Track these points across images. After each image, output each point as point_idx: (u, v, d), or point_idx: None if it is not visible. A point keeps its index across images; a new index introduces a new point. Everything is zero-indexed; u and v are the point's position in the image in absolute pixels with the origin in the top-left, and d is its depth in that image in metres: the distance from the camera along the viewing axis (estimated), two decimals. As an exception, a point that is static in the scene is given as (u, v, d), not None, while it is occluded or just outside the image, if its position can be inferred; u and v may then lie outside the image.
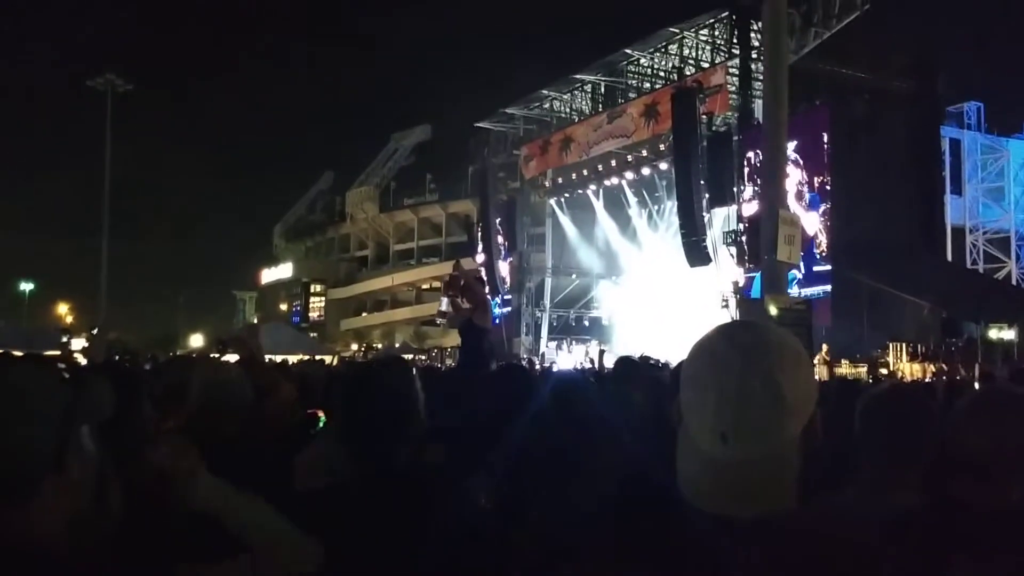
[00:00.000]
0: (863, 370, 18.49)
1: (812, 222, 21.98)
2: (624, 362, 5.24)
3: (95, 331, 31.42)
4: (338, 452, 2.35)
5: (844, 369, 18.49)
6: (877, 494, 2.08)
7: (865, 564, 1.33)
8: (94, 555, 1.36)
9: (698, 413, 1.29)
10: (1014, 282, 31.39)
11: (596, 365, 21.48)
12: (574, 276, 34.15)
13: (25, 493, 1.30)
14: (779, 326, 1.81)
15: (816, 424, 1.33)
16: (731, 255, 24.63)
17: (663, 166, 27.41)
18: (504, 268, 33.63)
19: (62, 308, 47.16)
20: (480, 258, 34.08)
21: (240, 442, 3.20)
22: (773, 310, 13.40)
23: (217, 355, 3.97)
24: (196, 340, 40.20)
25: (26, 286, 50.43)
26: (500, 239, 33.57)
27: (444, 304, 8.27)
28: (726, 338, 1.34)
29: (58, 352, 21.73)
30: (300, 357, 18.25)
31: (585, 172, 31.20)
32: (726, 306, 23.47)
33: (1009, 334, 19.68)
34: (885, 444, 2.16)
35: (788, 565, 1.29)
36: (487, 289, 33.83)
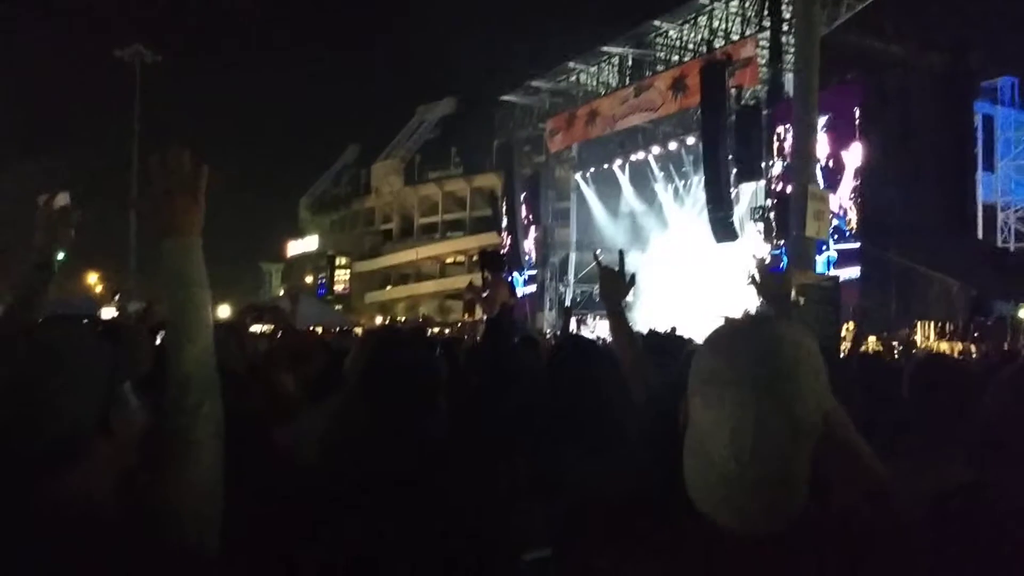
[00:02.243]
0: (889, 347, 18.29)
1: (840, 198, 21.74)
2: (651, 335, 5.26)
3: (118, 296, 31.75)
4: (358, 418, 2.35)
5: (871, 346, 18.30)
6: (925, 468, 2.05)
7: (912, 540, 1.31)
8: (143, 514, 1.35)
9: (712, 435, 1.27)
10: (1046, 261, 30.90)
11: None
12: (599, 251, 33.95)
13: (75, 455, 1.30)
14: (803, 305, 1.77)
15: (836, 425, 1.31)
16: (758, 231, 24.40)
17: (690, 140, 27.16)
18: (528, 243, 33.55)
19: (92, 277, 47.70)
20: (505, 232, 34.04)
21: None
22: (798, 286, 13.26)
23: (250, 323, 3.98)
24: (223, 311, 40.51)
25: (58, 255, 50.89)
26: (524, 213, 33.47)
27: (467, 293, 8.24)
28: (740, 335, 1.33)
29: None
30: (326, 329, 18.36)
31: (611, 146, 30.97)
32: (753, 282, 23.25)
33: (1039, 313, 19.42)
34: (934, 416, 2.16)
35: (835, 535, 1.27)
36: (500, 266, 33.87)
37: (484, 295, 3.46)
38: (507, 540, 2.18)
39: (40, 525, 1.24)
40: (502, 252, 6.94)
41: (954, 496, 1.62)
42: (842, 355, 7.54)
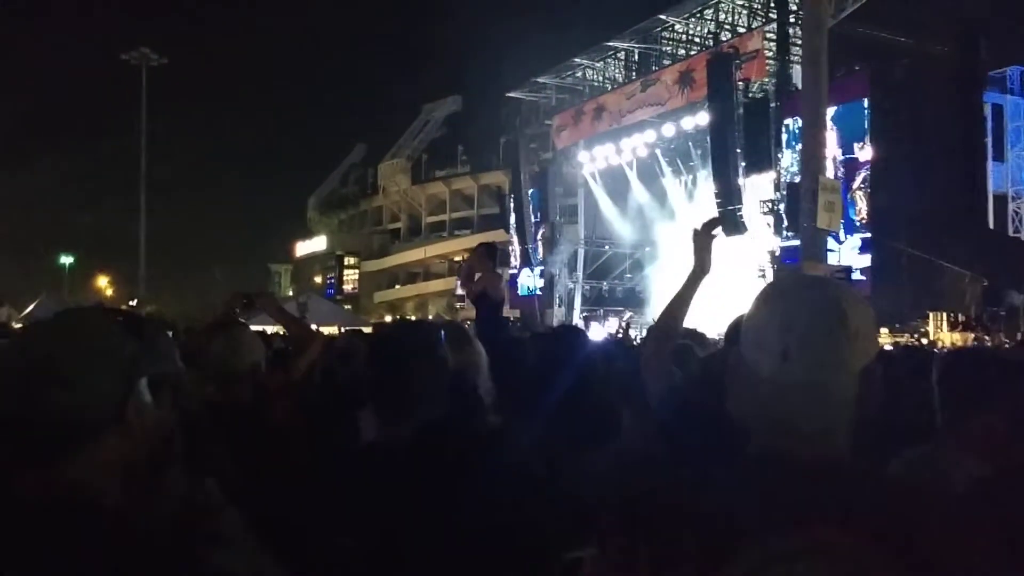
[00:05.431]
0: (903, 339, 18.26)
1: (851, 190, 21.65)
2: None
3: (134, 303, 31.87)
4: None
5: (884, 339, 18.25)
6: (944, 453, 2.09)
7: (939, 524, 1.25)
8: (145, 508, 1.35)
9: (761, 332, 1.31)
10: (1058, 250, 30.72)
11: (622, 335, 21.40)
12: (607, 247, 33.94)
13: (87, 444, 1.30)
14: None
15: (875, 383, 1.31)
16: (768, 224, 24.29)
17: (697, 133, 27.04)
18: (537, 240, 33.52)
19: (102, 281, 47.92)
20: (513, 230, 34.02)
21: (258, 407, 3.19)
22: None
23: (238, 312, 3.90)
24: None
25: (66, 259, 51.22)
26: (532, 210, 33.44)
27: (459, 290, 8.34)
28: (794, 277, 1.36)
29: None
30: (336, 329, 18.35)
31: (618, 141, 30.88)
32: (763, 276, 23.20)
33: (1052, 303, 19.31)
34: (957, 403, 2.17)
35: (855, 514, 1.23)
36: (504, 261, 34.11)
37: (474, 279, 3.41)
38: (545, 537, 2.17)
39: (41, 509, 1.25)
40: (497, 246, 6.99)
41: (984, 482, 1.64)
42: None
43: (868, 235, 21.61)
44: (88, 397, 1.30)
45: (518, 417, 2.72)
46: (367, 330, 7.23)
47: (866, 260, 21.18)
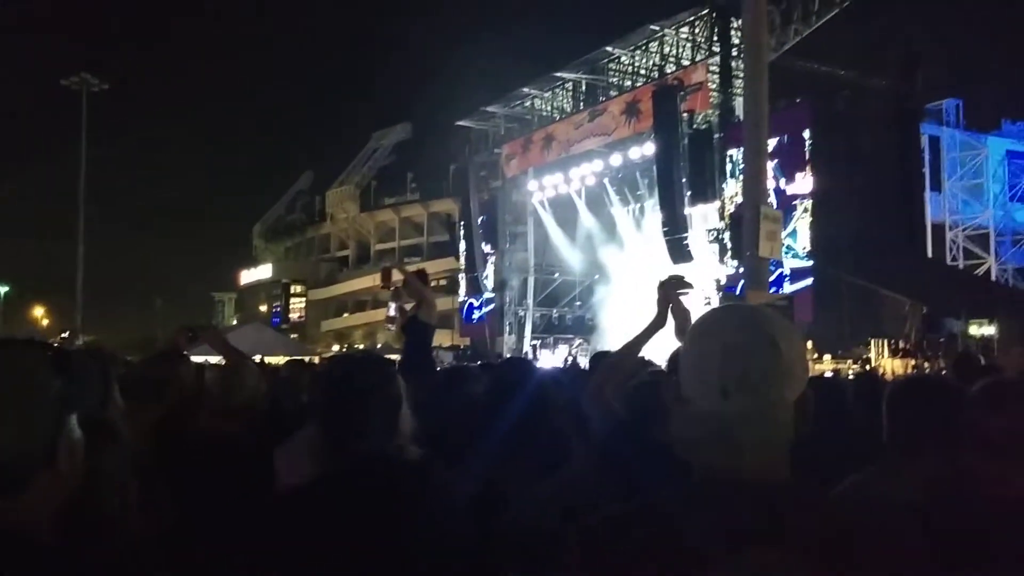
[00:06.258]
0: (845, 365, 18.57)
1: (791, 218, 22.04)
2: (599, 356, 5.32)
3: (67, 334, 31.07)
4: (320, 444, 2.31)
5: (826, 365, 18.53)
6: (894, 474, 2.21)
7: (876, 540, 1.33)
8: (80, 545, 1.32)
9: (701, 370, 1.36)
10: (993, 278, 31.63)
11: (570, 363, 21.48)
12: (557, 275, 34.11)
13: (19, 487, 1.24)
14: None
15: (809, 404, 1.39)
16: (713, 253, 24.65)
17: (643, 162, 27.39)
18: (486, 267, 33.56)
19: (38, 311, 46.69)
20: (462, 257, 34.01)
21: (214, 433, 3.19)
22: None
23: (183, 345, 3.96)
24: (174, 342, 39.84)
25: (1, 289, 49.85)
26: (482, 238, 33.49)
27: (392, 310, 8.31)
28: (728, 309, 1.51)
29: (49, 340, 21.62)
30: (281, 359, 18.06)
31: (567, 170, 31.14)
32: (708, 304, 23.47)
33: (989, 329, 19.80)
34: (905, 428, 2.32)
35: (795, 534, 1.28)
36: (453, 288, 34.15)
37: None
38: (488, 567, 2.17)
39: None
40: (427, 273, 7.16)
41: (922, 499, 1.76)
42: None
43: (809, 263, 22.01)
44: (18, 439, 1.25)
45: (448, 446, 2.71)
46: (309, 359, 7.22)
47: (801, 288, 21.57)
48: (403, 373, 2.39)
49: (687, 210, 24.09)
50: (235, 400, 3.61)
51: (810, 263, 21.93)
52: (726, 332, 1.37)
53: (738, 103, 23.42)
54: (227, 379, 3.68)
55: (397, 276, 8.56)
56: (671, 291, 3.01)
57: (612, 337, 26.50)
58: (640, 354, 3.09)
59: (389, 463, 2.15)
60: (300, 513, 2.06)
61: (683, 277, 3.18)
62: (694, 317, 1.71)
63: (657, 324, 3.02)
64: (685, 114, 24.70)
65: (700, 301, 23.84)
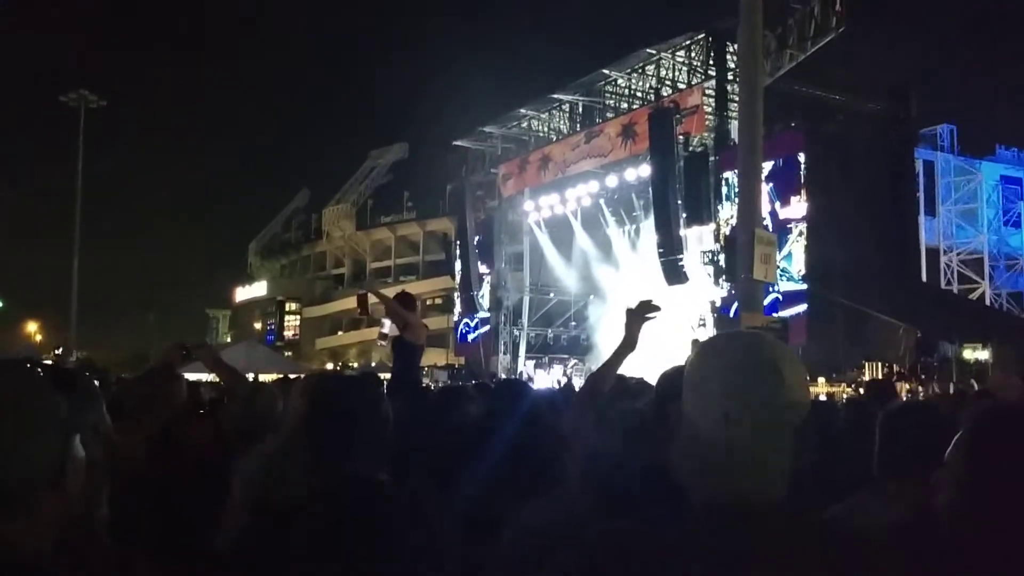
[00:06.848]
0: (839, 389, 18.57)
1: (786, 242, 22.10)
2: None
3: (60, 351, 30.95)
4: (295, 464, 2.30)
5: (820, 388, 18.54)
6: (885, 498, 2.24)
7: (860, 564, 1.36)
8: (82, 564, 1.32)
9: (704, 397, 1.38)
10: (987, 302, 31.73)
11: (565, 383, 21.42)
12: (552, 295, 34.12)
13: (27, 511, 1.24)
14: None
15: (811, 430, 1.42)
16: (708, 275, 24.69)
17: (639, 184, 27.47)
18: (482, 286, 33.57)
19: (31, 327, 46.53)
20: (458, 276, 34.01)
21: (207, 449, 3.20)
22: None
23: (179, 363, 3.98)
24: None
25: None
26: (478, 257, 33.53)
27: (387, 327, 8.32)
28: (731, 335, 1.53)
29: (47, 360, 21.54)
30: (274, 376, 18.01)
31: (563, 191, 31.24)
32: (703, 325, 23.51)
33: (983, 354, 19.84)
34: (897, 453, 2.35)
35: (782, 559, 1.30)
36: (449, 307, 34.04)
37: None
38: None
39: None
40: (413, 296, 7.24)
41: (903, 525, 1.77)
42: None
43: (804, 286, 22.04)
44: (26, 462, 1.24)
45: (443, 467, 2.72)
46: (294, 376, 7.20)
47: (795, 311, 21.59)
48: (390, 392, 2.39)
49: (682, 231, 24.16)
50: (254, 417, 3.62)
51: (804, 286, 21.96)
52: (729, 357, 1.40)
53: (733, 126, 23.53)
54: (248, 396, 3.69)
55: (373, 300, 8.58)
56: (640, 315, 3.10)
57: (606, 357, 26.39)
58: (617, 375, 3.17)
59: (373, 484, 2.14)
60: (284, 532, 2.04)
61: (651, 301, 3.27)
62: (685, 337, 1.74)
63: (627, 347, 3.15)
64: (681, 137, 24.85)
65: (694, 322, 23.95)
